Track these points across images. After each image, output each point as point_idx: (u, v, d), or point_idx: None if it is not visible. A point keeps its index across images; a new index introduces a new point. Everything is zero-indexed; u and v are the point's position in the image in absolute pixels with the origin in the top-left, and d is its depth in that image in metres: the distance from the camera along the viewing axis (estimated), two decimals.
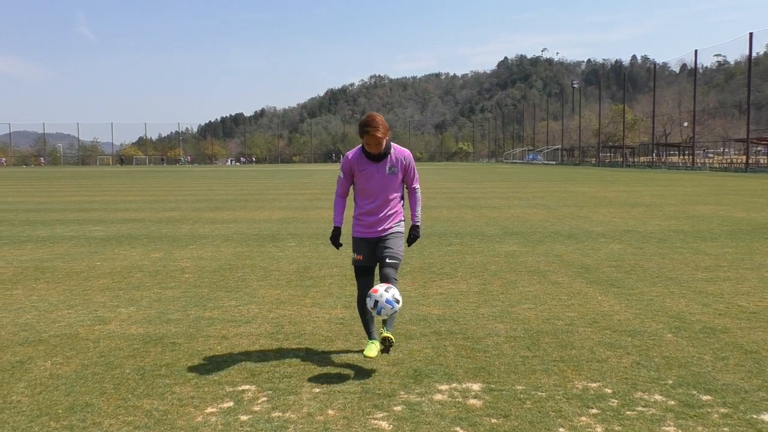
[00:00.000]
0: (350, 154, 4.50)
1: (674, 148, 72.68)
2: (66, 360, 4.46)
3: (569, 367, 4.20)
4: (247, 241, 10.54)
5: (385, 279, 4.36)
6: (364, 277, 4.51)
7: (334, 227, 4.59)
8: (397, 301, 4.15)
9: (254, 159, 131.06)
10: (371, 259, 4.50)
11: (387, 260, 4.42)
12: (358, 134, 4.37)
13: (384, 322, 4.34)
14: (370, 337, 4.45)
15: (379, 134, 4.27)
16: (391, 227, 4.52)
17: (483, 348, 4.61)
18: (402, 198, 4.65)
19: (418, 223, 4.70)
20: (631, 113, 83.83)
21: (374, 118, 4.30)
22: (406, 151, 4.55)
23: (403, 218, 4.62)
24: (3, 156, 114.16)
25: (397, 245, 4.51)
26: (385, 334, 4.21)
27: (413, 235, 4.68)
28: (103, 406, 3.62)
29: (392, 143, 4.49)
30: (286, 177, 43.24)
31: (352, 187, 4.60)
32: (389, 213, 4.51)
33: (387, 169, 4.43)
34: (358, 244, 4.52)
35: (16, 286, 7.06)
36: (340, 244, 4.63)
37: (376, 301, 4.11)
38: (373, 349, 4.28)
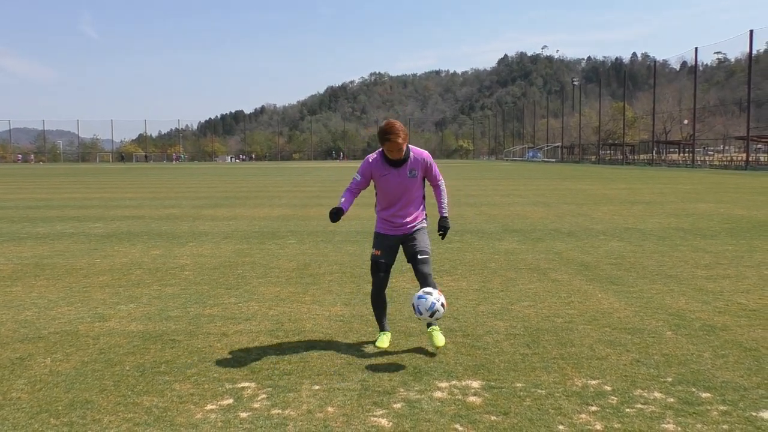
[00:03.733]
0: (371, 157, 4.59)
1: (674, 145, 72.63)
2: (66, 357, 4.46)
3: (569, 364, 4.20)
4: (247, 239, 10.54)
5: (422, 277, 4.51)
6: (381, 274, 4.59)
7: (338, 207, 4.55)
8: (444, 306, 4.33)
9: (253, 156, 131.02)
10: (390, 256, 4.61)
11: (419, 256, 4.55)
12: (378, 141, 4.46)
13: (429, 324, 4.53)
14: (382, 328, 4.62)
15: (400, 140, 4.37)
16: (416, 225, 4.64)
17: (483, 345, 4.62)
18: (424, 197, 4.74)
19: (446, 215, 4.77)
20: (631, 111, 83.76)
21: (393, 125, 4.40)
22: (425, 153, 4.65)
23: (426, 216, 4.75)
24: (30, 154, 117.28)
25: (425, 239, 4.65)
26: (436, 341, 4.43)
27: (443, 227, 4.71)
28: (103, 402, 3.62)
29: (410, 146, 4.57)
30: (286, 174, 43.22)
31: (373, 186, 4.71)
32: (413, 215, 4.63)
33: (408, 172, 4.53)
34: (380, 239, 4.64)
35: (16, 283, 7.06)
36: (337, 220, 4.62)
37: (434, 306, 4.25)
38: (384, 340, 4.51)
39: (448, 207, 4.83)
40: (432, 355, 4.42)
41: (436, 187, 4.76)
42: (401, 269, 7.40)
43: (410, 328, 5.08)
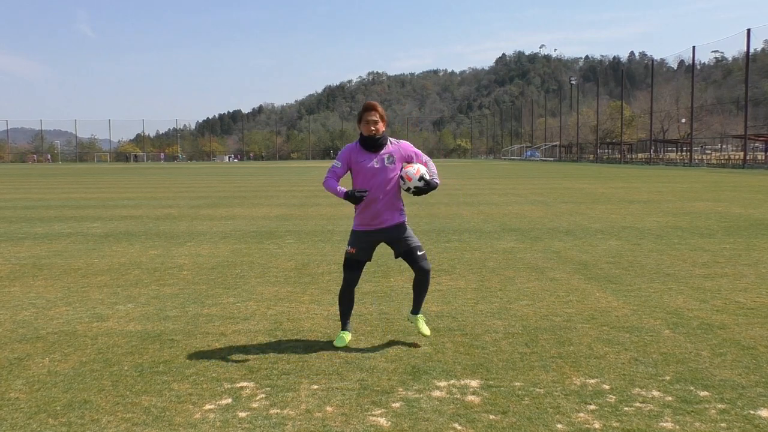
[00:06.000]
0: (350, 145, 4.65)
1: (672, 144, 72.78)
2: (64, 357, 4.45)
3: (567, 363, 4.20)
4: (245, 238, 10.54)
5: (423, 272, 4.61)
6: (354, 271, 4.65)
7: (344, 193, 4.42)
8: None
9: (252, 155, 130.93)
10: (366, 254, 4.64)
11: (418, 252, 4.61)
12: (357, 123, 4.56)
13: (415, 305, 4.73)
14: (344, 327, 4.70)
15: (375, 117, 4.44)
16: (395, 217, 4.62)
17: (481, 345, 4.62)
18: (399, 189, 4.68)
19: (437, 181, 4.60)
20: (628, 110, 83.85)
21: (371, 102, 4.53)
22: (404, 142, 4.71)
23: (403, 209, 4.71)
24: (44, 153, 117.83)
25: (414, 235, 4.69)
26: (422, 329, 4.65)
27: (426, 182, 4.47)
28: (101, 402, 3.62)
29: (391, 138, 4.64)
30: (284, 174, 43.18)
31: (350, 180, 4.68)
32: (390, 205, 4.59)
33: (385, 159, 4.55)
34: (357, 237, 4.62)
35: (14, 284, 7.05)
36: (361, 197, 4.40)
37: (422, 176, 4.43)
38: (344, 338, 4.60)
39: (438, 179, 4.66)
40: (430, 354, 4.42)
41: (425, 165, 4.62)
42: (400, 269, 7.40)
43: (409, 327, 5.08)
